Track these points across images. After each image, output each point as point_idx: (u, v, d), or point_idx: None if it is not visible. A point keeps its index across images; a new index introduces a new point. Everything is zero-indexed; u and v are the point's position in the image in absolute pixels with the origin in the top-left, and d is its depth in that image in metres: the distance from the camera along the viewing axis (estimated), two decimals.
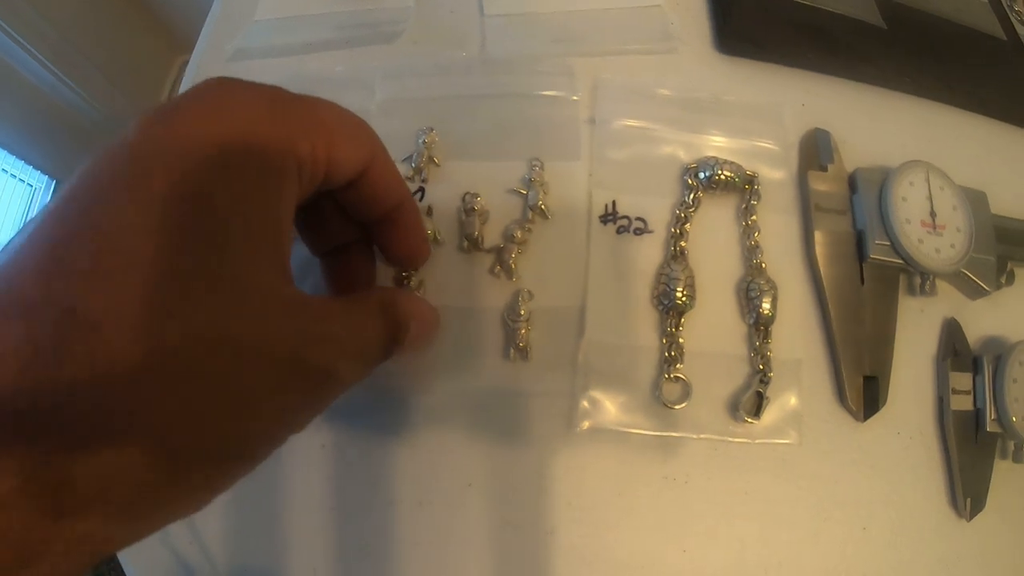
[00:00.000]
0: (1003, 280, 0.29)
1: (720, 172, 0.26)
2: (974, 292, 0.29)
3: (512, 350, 0.23)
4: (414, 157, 0.25)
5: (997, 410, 0.26)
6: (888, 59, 0.32)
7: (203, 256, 0.12)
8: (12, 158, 1.03)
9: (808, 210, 0.27)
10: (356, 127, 0.17)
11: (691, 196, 0.26)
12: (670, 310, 0.24)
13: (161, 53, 1.23)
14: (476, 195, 0.24)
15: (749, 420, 0.23)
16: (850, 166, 0.29)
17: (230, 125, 0.13)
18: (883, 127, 0.31)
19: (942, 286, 0.28)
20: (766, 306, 0.25)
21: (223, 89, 0.14)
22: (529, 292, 0.23)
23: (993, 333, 0.29)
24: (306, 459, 0.23)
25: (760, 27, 0.30)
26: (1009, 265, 0.30)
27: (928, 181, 0.28)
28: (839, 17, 0.32)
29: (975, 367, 0.27)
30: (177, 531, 0.22)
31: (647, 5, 0.30)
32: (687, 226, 0.25)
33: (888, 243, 0.26)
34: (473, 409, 0.23)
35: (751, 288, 0.25)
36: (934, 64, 0.33)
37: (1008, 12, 0.38)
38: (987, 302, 0.29)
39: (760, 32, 0.30)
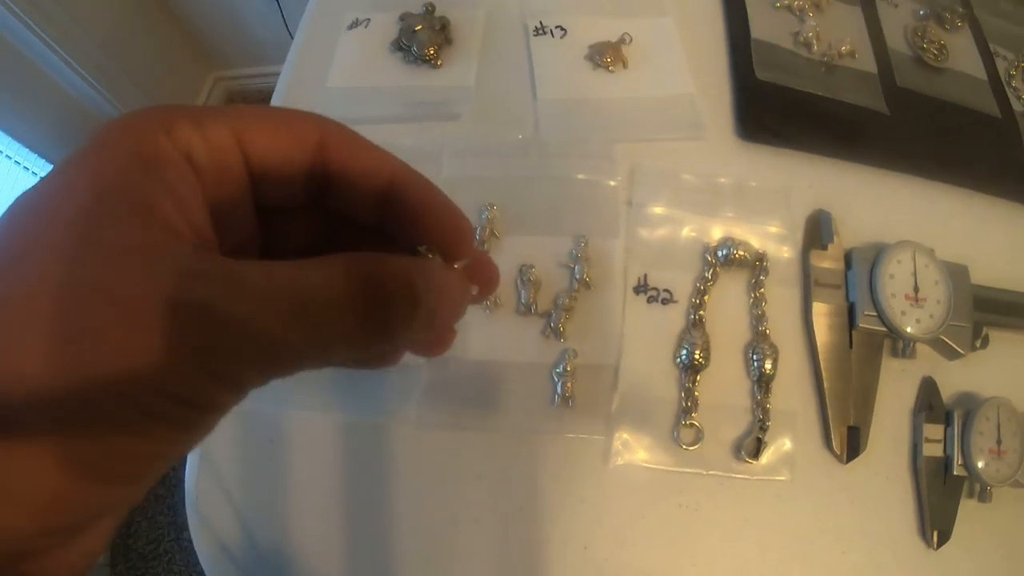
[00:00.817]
0: (978, 344, 0.34)
1: (735, 252, 0.31)
2: (951, 354, 0.33)
3: (558, 399, 0.28)
4: (478, 231, 0.31)
5: (964, 457, 0.31)
6: (889, 143, 0.36)
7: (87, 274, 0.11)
8: (50, 166, 1.09)
9: (808, 284, 0.32)
10: (284, 115, 0.15)
11: (710, 271, 0.31)
12: (688, 369, 0.29)
13: (196, 70, 1.29)
14: (531, 266, 0.30)
15: (750, 461, 0.29)
16: (851, 242, 0.34)
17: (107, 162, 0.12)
18: (882, 205, 0.35)
19: (923, 348, 0.33)
20: (768, 366, 0.30)
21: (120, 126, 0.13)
22: (574, 351, 0.29)
23: (967, 390, 0.34)
24: (385, 480, 0.28)
25: (777, 116, 0.35)
26: (985, 330, 0.34)
27: (914, 259, 0.33)
28: (847, 105, 0.36)
29: (947, 420, 0.32)
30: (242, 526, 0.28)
31: (680, 93, 0.35)
32: (706, 297, 0.30)
33: (875, 314, 0.31)
34: (526, 446, 0.28)
35: (756, 351, 0.30)
36: (931, 145, 0.37)
37: (1006, 88, 0.42)
38: (963, 362, 0.34)
39: (776, 121, 0.35)
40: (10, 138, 0.91)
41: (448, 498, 0.28)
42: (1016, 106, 0.41)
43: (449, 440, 0.29)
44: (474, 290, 0.18)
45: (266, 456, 0.29)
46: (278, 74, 0.39)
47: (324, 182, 0.16)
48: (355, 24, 0.38)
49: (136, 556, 0.93)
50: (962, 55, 0.41)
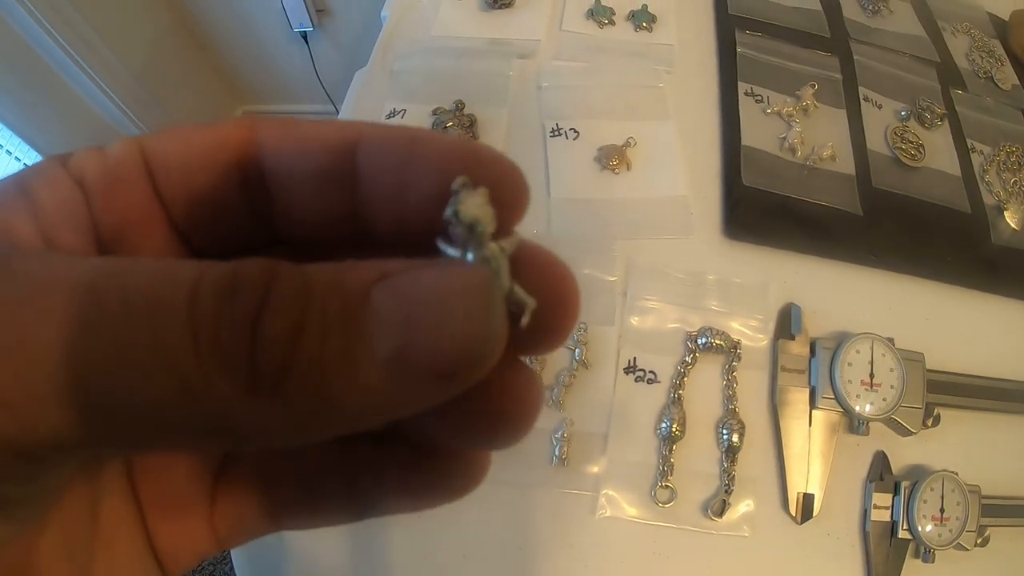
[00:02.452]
0: (929, 423, 0.39)
1: (713, 340, 0.37)
2: (903, 432, 0.38)
3: (555, 459, 0.35)
4: None
5: (909, 522, 0.36)
6: (860, 241, 0.41)
7: None
8: None
9: (776, 370, 0.37)
10: (205, 124, 0.12)
11: (690, 356, 0.36)
12: (667, 439, 0.35)
13: (225, 102, 1.31)
14: None
15: (715, 518, 0.35)
16: (819, 331, 0.39)
17: None
18: (849, 298, 0.40)
19: (879, 426, 0.38)
20: (735, 439, 0.35)
21: None
22: (571, 420, 0.35)
23: (919, 463, 0.39)
24: (401, 519, 0.35)
25: (759, 219, 0.40)
26: (936, 410, 0.39)
27: (872, 349, 0.38)
28: (824, 208, 0.41)
29: (895, 489, 0.37)
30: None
31: (675, 195, 0.41)
32: (685, 379, 0.36)
33: (832, 397, 0.37)
34: (526, 497, 0.35)
35: (726, 425, 0.36)
36: (901, 242, 0.42)
37: (979, 182, 0.46)
38: (917, 438, 0.39)
39: (758, 223, 0.40)
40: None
41: (457, 537, 0.34)
42: (988, 199, 0.46)
43: None
44: (524, 319, 0.10)
45: None
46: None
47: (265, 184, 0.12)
48: (392, 114, 0.45)
49: None
50: (938, 153, 0.46)
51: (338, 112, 0.47)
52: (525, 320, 0.10)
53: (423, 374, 0.09)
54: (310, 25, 1.03)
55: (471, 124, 0.43)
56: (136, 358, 0.08)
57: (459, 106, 0.44)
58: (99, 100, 0.95)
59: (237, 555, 0.37)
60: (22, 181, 0.11)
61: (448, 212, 0.09)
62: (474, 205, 0.09)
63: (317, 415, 0.09)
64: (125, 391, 0.08)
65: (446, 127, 0.43)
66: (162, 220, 0.12)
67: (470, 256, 0.10)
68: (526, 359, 0.12)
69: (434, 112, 0.44)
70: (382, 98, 0.47)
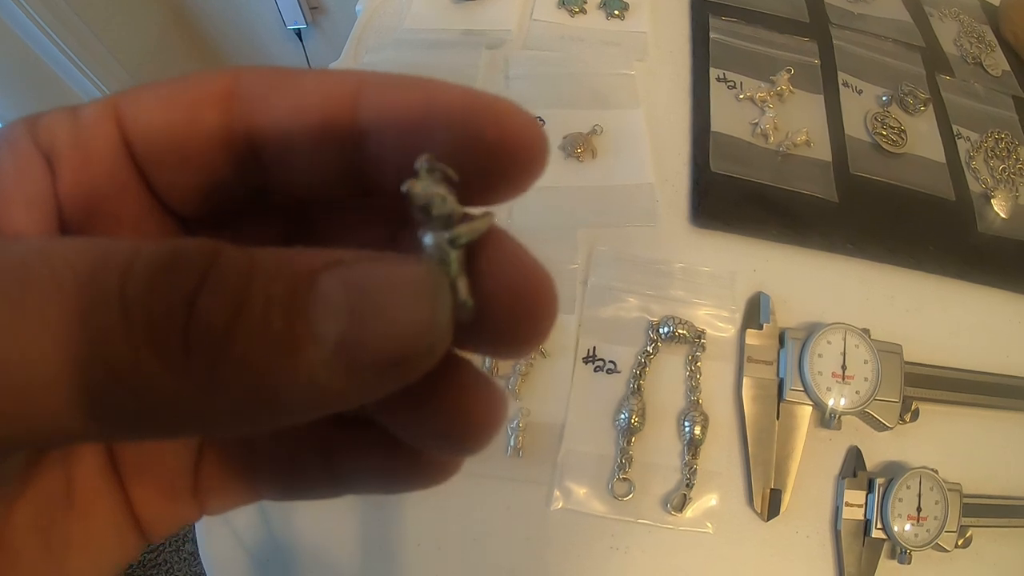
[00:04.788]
0: (907, 418, 0.37)
1: (676, 329, 0.35)
2: (879, 427, 0.37)
3: (511, 449, 0.34)
4: None
5: (883, 521, 0.35)
6: (836, 229, 0.40)
7: None
8: None
9: (742, 360, 0.36)
10: (182, 77, 0.11)
11: (652, 346, 0.35)
12: (625, 431, 0.34)
13: None
14: None
15: (675, 513, 0.33)
16: (792, 322, 0.38)
17: None
18: (824, 288, 0.39)
19: (855, 420, 0.37)
20: (697, 431, 0.34)
21: None
22: (527, 410, 0.34)
23: (897, 459, 0.37)
24: (356, 505, 0.34)
25: (728, 206, 0.39)
26: (915, 405, 0.37)
27: (845, 340, 0.36)
28: (797, 194, 0.40)
29: (869, 486, 0.36)
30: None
31: (641, 183, 0.40)
32: (646, 369, 0.35)
33: (802, 389, 0.35)
34: (482, 487, 0.34)
35: (688, 417, 0.35)
36: (879, 229, 0.41)
37: (965, 170, 0.45)
38: (894, 434, 0.37)
39: (727, 210, 0.39)
40: None
41: (414, 525, 0.34)
42: (974, 187, 0.44)
43: None
44: (466, 299, 0.10)
45: None
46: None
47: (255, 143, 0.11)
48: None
49: (135, 564, 0.98)
50: (921, 139, 0.44)
51: None
52: (464, 317, 0.10)
53: (365, 363, 0.08)
54: (304, 22, 1.04)
55: None
56: (59, 337, 0.08)
57: None
58: (95, 96, 0.96)
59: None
60: None
61: (403, 190, 0.09)
62: (427, 186, 0.09)
63: (256, 402, 0.08)
64: (46, 375, 0.08)
65: None
66: (139, 189, 0.11)
67: (427, 239, 0.09)
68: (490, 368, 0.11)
69: None
70: None
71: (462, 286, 0.10)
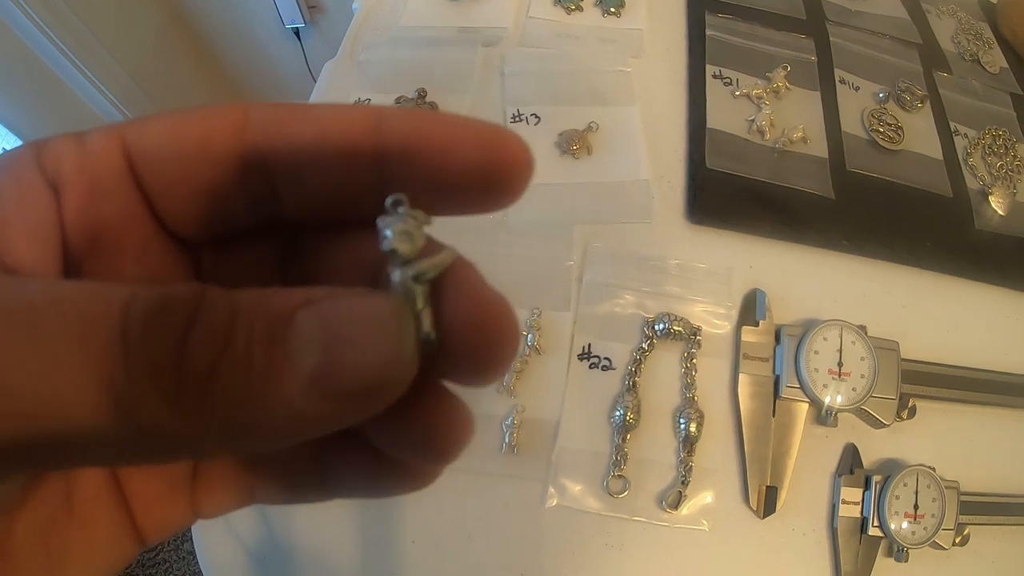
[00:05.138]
0: (904, 415, 0.37)
1: (672, 326, 0.35)
2: (876, 424, 0.37)
3: (505, 446, 0.34)
4: None
5: (879, 519, 0.35)
6: (832, 226, 0.40)
7: None
8: None
9: (738, 357, 0.36)
10: (191, 109, 0.12)
11: (647, 343, 0.35)
12: (620, 427, 0.34)
13: (218, 98, 1.30)
14: None
15: (670, 511, 0.33)
16: (788, 319, 0.38)
17: None
18: (820, 285, 0.39)
19: (851, 417, 0.36)
20: (693, 428, 0.34)
21: None
22: (522, 406, 0.34)
23: (894, 456, 0.37)
24: (352, 505, 0.34)
25: (724, 203, 0.39)
26: (912, 402, 0.37)
27: (841, 337, 0.36)
28: (793, 191, 0.40)
29: (866, 484, 0.36)
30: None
31: (636, 179, 0.40)
32: (642, 366, 0.35)
33: (798, 386, 0.35)
34: (476, 484, 0.34)
35: (684, 414, 0.34)
36: (876, 226, 0.41)
37: (962, 167, 0.44)
38: (891, 431, 0.37)
39: (723, 207, 0.39)
40: None
41: (408, 523, 0.34)
42: (972, 184, 0.44)
43: None
44: (429, 333, 0.10)
45: None
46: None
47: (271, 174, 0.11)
48: (357, 103, 0.45)
49: (136, 564, 0.99)
50: (919, 136, 0.44)
51: None
52: (427, 349, 0.10)
53: (340, 392, 0.09)
54: (302, 21, 1.04)
55: None
56: (69, 371, 0.08)
57: (421, 94, 0.44)
58: (93, 96, 0.96)
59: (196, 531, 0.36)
60: None
61: (380, 233, 0.10)
62: (395, 225, 0.10)
63: (242, 428, 0.09)
64: (57, 404, 0.08)
65: None
66: (144, 215, 0.12)
67: (395, 276, 0.10)
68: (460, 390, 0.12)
69: (396, 101, 0.44)
70: (348, 88, 0.47)
71: (426, 319, 0.10)
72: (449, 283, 0.11)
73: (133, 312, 0.09)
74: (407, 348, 0.10)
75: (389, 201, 0.10)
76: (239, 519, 0.35)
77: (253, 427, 0.09)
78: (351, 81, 0.47)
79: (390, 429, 0.12)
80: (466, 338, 0.11)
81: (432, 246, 0.11)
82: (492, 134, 0.11)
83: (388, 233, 0.10)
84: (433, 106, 0.43)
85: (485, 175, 0.11)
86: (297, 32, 1.08)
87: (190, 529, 0.35)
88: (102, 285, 0.09)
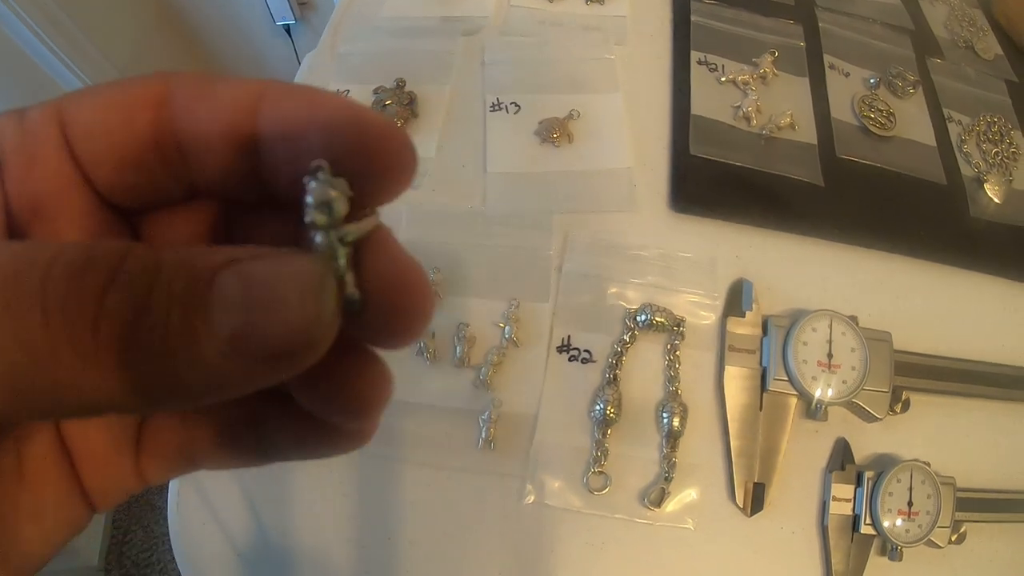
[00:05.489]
0: (897, 408, 0.36)
1: (654, 317, 0.34)
2: (868, 418, 0.35)
3: (482, 441, 0.32)
4: None
5: (872, 516, 0.33)
6: (821, 214, 0.39)
7: None
8: None
9: (723, 349, 0.35)
10: (119, 81, 0.12)
11: (629, 335, 0.34)
12: (601, 422, 0.33)
13: None
14: (467, 324, 0.34)
15: (653, 508, 0.32)
16: (776, 309, 0.36)
17: None
18: (810, 274, 0.38)
19: (843, 411, 0.35)
20: (676, 423, 0.33)
21: None
22: (499, 400, 0.33)
23: (887, 451, 0.36)
24: (327, 499, 0.33)
25: (708, 190, 0.38)
26: (905, 395, 0.36)
27: (831, 327, 0.35)
28: (781, 178, 0.39)
29: (858, 480, 0.34)
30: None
31: (618, 168, 0.39)
32: (623, 358, 0.34)
33: (786, 379, 0.34)
34: (453, 480, 0.32)
35: (667, 408, 0.33)
36: (866, 214, 0.39)
37: (957, 153, 0.43)
38: (884, 425, 0.36)
39: (707, 194, 0.38)
40: None
41: (385, 520, 0.32)
42: (966, 171, 0.43)
43: (388, 469, 0.33)
44: (352, 293, 0.10)
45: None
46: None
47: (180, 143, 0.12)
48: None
49: (130, 563, 0.99)
50: (911, 122, 0.43)
51: None
52: (350, 309, 0.10)
53: (258, 354, 0.09)
54: (292, 18, 1.04)
55: (410, 101, 0.42)
56: None
57: (400, 84, 0.43)
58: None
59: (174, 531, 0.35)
60: None
61: (305, 185, 0.10)
62: (321, 188, 0.10)
63: (160, 388, 0.09)
64: None
65: (385, 105, 0.42)
66: (82, 187, 0.12)
67: (317, 238, 0.10)
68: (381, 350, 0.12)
69: (375, 91, 0.43)
70: (328, 80, 0.46)
71: (350, 280, 0.10)
72: (370, 247, 0.11)
73: (55, 269, 0.09)
74: (328, 309, 0.10)
75: (315, 164, 0.10)
76: (208, 516, 0.33)
77: (171, 386, 0.09)
78: (330, 72, 0.46)
79: (312, 389, 0.12)
80: (388, 299, 0.11)
81: (356, 211, 0.11)
82: (367, 119, 0.11)
83: (309, 199, 0.10)
84: (412, 96, 0.42)
85: (359, 165, 0.11)
86: (288, 29, 1.07)
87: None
88: (29, 244, 0.09)
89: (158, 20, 1.07)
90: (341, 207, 0.10)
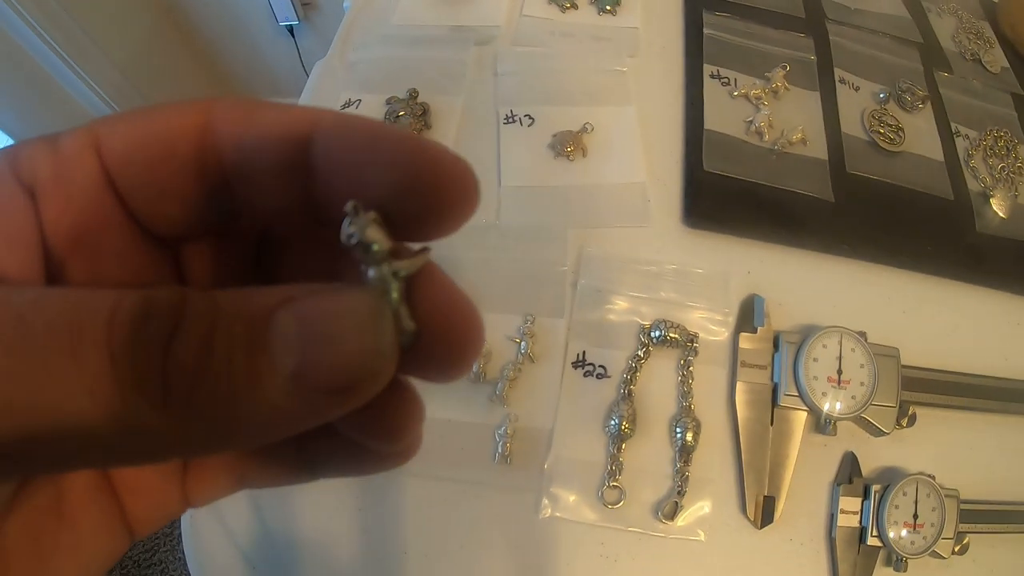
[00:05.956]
0: (904, 423, 0.36)
1: (668, 333, 0.35)
2: (875, 432, 0.36)
3: (498, 456, 0.33)
4: None
5: (878, 529, 0.34)
6: (831, 229, 0.39)
7: None
8: None
9: (735, 365, 0.35)
10: (159, 106, 0.12)
11: (643, 350, 0.35)
12: (615, 437, 0.33)
13: (212, 96, 1.34)
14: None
15: (666, 521, 0.33)
16: (786, 325, 0.37)
17: None
18: (819, 290, 0.38)
19: (850, 425, 0.36)
20: (689, 438, 0.33)
21: None
22: (515, 415, 0.33)
23: (893, 465, 0.36)
24: (343, 512, 0.33)
25: (721, 206, 0.38)
26: (912, 409, 0.37)
27: (841, 344, 0.35)
28: (792, 194, 0.39)
29: (865, 493, 0.35)
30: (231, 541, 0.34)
31: (632, 182, 0.39)
32: (637, 374, 0.34)
33: (796, 394, 0.34)
34: (468, 494, 0.33)
35: (680, 423, 0.34)
36: (876, 230, 0.40)
37: (964, 168, 0.44)
38: (891, 439, 0.36)
39: (720, 210, 0.38)
40: None
41: (400, 533, 0.33)
42: (973, 186, 0.43)
43: (404, 483, 0.34)
44: (408, 325, 0.10)
45: None
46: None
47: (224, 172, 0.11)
48: (347, 104, 0.44)
49: (131, 564, 0.99)
50: (920, 137, 0.43)
51: None
52: (405, 342, 0.11)
53: (320, 389, 0.09)
54: (296, 19, 1.03)
55: (423, 113, 0.42)
56: (60, 380, 0.09)
57: (412, 95, 0.43)
58: (85, 95, 0.96)
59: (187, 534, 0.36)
60: None
61: (343, 234, 0.10)
62: (363, 228, 0.10)
63: (227, 428, 0.09)
64: (49, 412, 0.09)
65: (398, 116, 0.42)
66: (122, 217, 0.12)
67: (370, 273, 0.10)
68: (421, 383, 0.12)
69: (387, 101, 0.43)
70: (339, 88, 0.46)
71: (404, 313, 0.10)
72: (420, 280, 0.11)
73: (118, 320, 0.09)
74: (386, 341, 0.10)
75: (348, 206, 0.10)
76: (222, 527, 0.34)
77: (237, 427, 0.09)
78: (341, 80, 0.46)
79: (349, 418, 0.12)
80: (439, 333, 0.11)
81: (403, 248, 0.11)
82: (432, 153, 0.11)
83: (354, 233, 0.10)
84: (424, 107, 0.42)
85: (421, 199, 0.11)
86: (291, 29, 1.07)
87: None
88: (86, 293, 0.09)
89: (160, 19, 1.06)
90: (388, 242, 0.10)
